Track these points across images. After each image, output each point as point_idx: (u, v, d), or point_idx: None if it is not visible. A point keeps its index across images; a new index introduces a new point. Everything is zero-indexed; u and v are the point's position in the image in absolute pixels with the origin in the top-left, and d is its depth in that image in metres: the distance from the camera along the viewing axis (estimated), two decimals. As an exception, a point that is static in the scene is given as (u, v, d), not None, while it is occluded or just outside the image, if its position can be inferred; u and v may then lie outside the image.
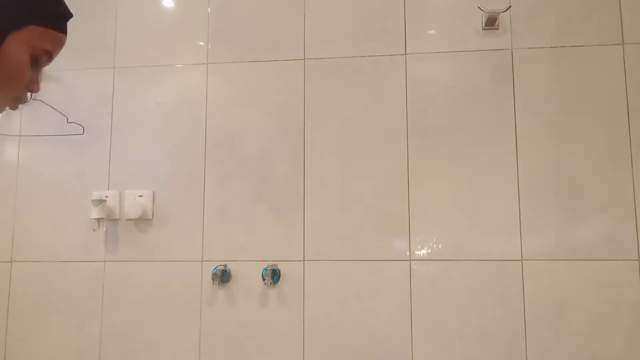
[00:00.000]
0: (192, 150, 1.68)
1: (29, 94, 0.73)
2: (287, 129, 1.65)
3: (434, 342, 1.52)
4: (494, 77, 1.60)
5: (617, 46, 1.56)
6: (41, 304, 1.68)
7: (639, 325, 1.46)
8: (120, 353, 1.63)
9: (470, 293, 1.53)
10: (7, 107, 0.72)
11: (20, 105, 0.74)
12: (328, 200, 1.61)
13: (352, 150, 1.62)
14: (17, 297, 1.70)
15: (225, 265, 1.61)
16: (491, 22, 1.59)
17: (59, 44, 0.72)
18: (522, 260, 1.52)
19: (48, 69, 1.80)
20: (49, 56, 0.71)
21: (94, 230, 1.66)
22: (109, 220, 1.69)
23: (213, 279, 1.55)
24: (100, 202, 1.63)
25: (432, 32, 1.64)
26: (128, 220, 1.68)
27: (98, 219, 1.62)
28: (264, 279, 1.55)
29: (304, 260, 1.60)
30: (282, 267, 1.60)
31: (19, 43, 0.66)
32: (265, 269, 1.56)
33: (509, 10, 1.57)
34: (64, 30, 0.72)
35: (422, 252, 1.56)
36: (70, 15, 0.74)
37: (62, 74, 1.77)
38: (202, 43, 1.73)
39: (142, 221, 1.68)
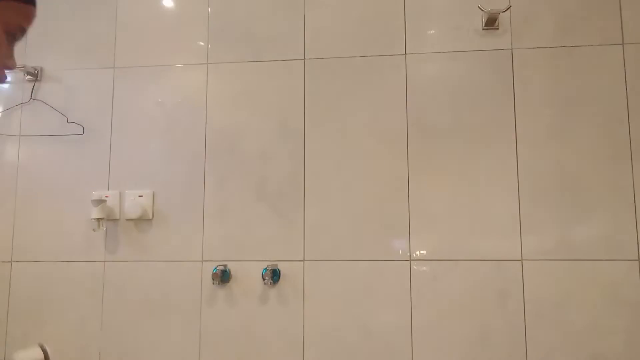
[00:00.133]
0: (192, 150, 1.68)
1: (7, 74, 0.71)
2: (287, 129, 1.65)
3: (434, 342, 1.52)
4: (494, 77, 1.60)
5: (617, 46, 1.56)
6: (41, 304, 1.68)
7: (639, 325, 1.46)
8: (120, 353, 1.63)
9: (470, 293, 1.53)
10: None
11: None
12: (328, 200, 1.61)
13: (352, 150, 1.62)
14: (17, 297, 1.70)
15: (225, 265, 1.61)
16: (491, 22, 1.59)
17: (31, 17, 0.70)
18: (522, 260, 1.52)
19: (48, 69, 1.81)
20: (23, 31, 0.70)
21: (94, 230, 1.66)
22: (109, 220, 1.69)
23: (213, 279, 1.55)
24: (100, 202, 1.63)
25: (432, 32, 1.64)
26: (128, 220, 1.68)
27: (98, 219, 1.62)
28: (264, 279, 1.55)
29: (304, 260, 1.60)
30: (282, 267, 1.60)
31: None
32: (265, 269, 1.56)
33: (509, 10, 1.57)
34: (34, 2, 0.69)
35: (422, 252, 1.56)
36: None
37: (62, 74, 1.77)
38: (202, 43, 1.73)
39: (142, 221, 1.68)
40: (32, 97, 1.76)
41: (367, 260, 1.57)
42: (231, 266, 1.62)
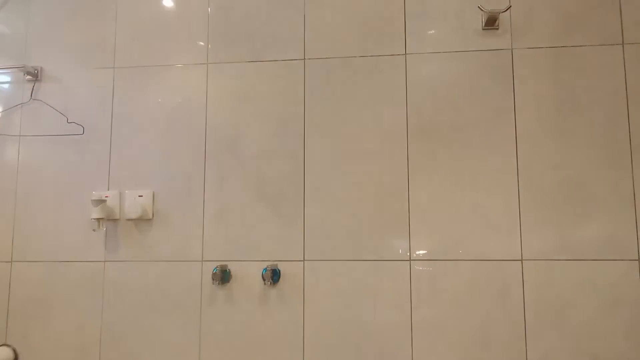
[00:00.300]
0: (192, 150, 1.68)
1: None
2: (287, 129, 1.66)
3: (434, 342, 1.52)
4: (494, 77, 1.60)
5: (617, 46, 1.56)
6: (41, 304, 1.68)
7: (639, 325, 1.46)
8: (120, 353, 1.63)
9: (470, 293, 1.53)
10: None
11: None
12: (328, 200, 1.61)
13: (352, 150, 1.62)
14: (17, 297, 1.70)
15: (225, 265, 1.61)
16: (491, 22, 1.59)
17: None
18: (522, 260, 1.52)
19: (48, 69, 1.81)
20: None
21: (94, 230, 1.67)
22: (109, 220, 1.69)
23: (213, 279, 1.55)
24: (100, 202, 1.63)
25: (432, 32, 1.64)
26: (128, 220, 1.68)
27: (98, 219, 1.62)
28: (264, 279, 1.55)
29: (304, 260, 1.60)
30: (282, 267, 1.60)
31: None
32: (265, 269, 1.56)
33: (509, 10, 1.57)
34: None
35: (422, 252, 1.56)
36: None
37: (62, 74, 1.77)
38: (202, 43, 1.73)
39: (142, 221, 1.68)
40: (32, 97, 1.76)
41: (367, 260, 1.57)
42: (231, 266, 1.62)
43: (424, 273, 1.55)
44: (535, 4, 1.61)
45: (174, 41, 1.74)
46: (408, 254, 1.56)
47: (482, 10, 1.56)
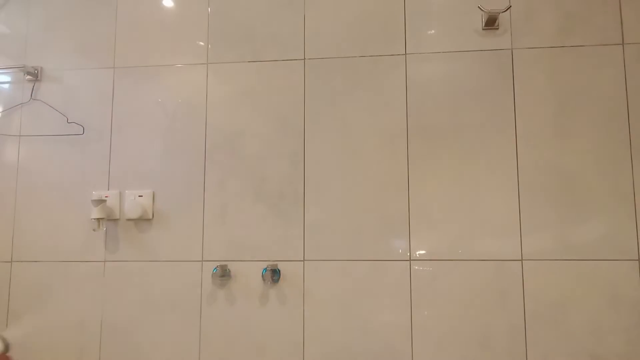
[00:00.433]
0: (192, 150, 1.68)
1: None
2: (287, 129, 1.66)
3: (434, 342, 1.52)
4: (494, 77, 1.60)
5: (617, 46, 1.56)
6: (41, 304, 1.68)
7: (639, 325, 1.46)
8: (121, 353, 1.63)
9: (470, 293, 1.53)
10: None
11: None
12: (328, 200, 1.61)
13: (352, 150, 1.62)
14: (17, 297, 1.70)
15: (225, 265, 1.61)
16: (491, 22, 1.59)
17: None
18: (522, 260, 1.52)
19: (48, 69, 1.81)
20: None
21: (94, 230, 1.67)
22: (109, 220, 1.69)
23: (213, 279, 1.55)
24: (100, 202, 1.63)
25: (432, 32, 1.64)
26: (128, 220, 1.68)
27: (98, 219, 1.62)
28: (264, 279, 1.55)
29: (304, 260, 1.60)
30: (282, 267, 1.60)
31: None
32: (265, 269, 1.56)
33: (509, 10, 1.57)
34: None
35: (422, 252, 1.56)
36: None
37: (62, 74, 1.77)
38: (202, 43, 1.73)
39: (142, 221, 1.68)
40: (32, 97, 1.76)
41: (367, 260, 1.57)
42: (231, 266, 1.62)
43: (424, 273, 1.55)
44: (535, 4, 1.61)
45: (174, 41, 1.74)
46: (408, 254, 1.56)
47: (482, 10, 1.56)
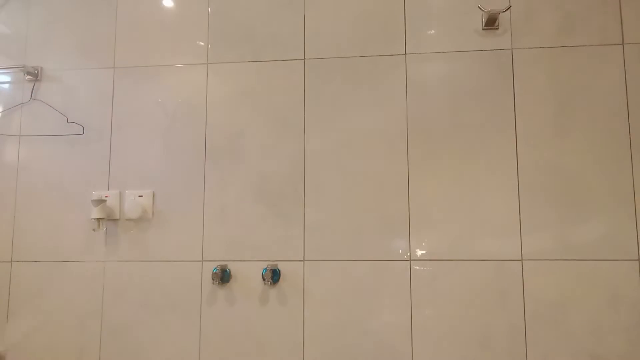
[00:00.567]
0: (192, 150, 1.68)
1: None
2: (287, 128, 1.66)
3: (434, 342, 1.52)
4: (494, 77, 1.60)
5: (617, 46, 1.56)
6: (41, 304, 1.68)
7: (639, 325, 1.46)
8: (120, 353, 1.63)
9: (470, 293, 1.53)
10: None
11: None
12: (328, 200, 1.61)
13: (352, 150, 1.62)
14: (17, 297, 1.70)
15: (225, 265, 1.61)
16: (491, 22, 1.59)
17: None
18: (522, 260, 1.52)
19: (48, 69, 1.81)
20: None
21: (94, 230, 1.67)
22: (109, 220, 1.69)
23: (213, 279, 1.55)
24: (100, 202, 1.63)
25: (432, 32, 1.64)
26: (128, 220, 1.68)
27: (98, 219, 1.62)
28: (264, 279, 1.55)
29: (304, 260, 1.60)
30: (282, 267, 1.60)
31: None
32: (265, 269, 1.56)
33: (509, 10, 1.57)
34: None
35: (422, 252, 1.56)
36: None
37: (62, 74, 1.77)
38: (202, 43, 1.73)
39: (142, 221, 1.68)
40: (32, 97, 1.76)
41: (367, 260, 1.57)
42: (231, 266, 1.62)
43: (424, 273, 1.55)
44: (535, 4, 1.61)
45: (174, 41, 1.74)
46: (408, 254, 1.56)
47: (482, 10, 1.56)
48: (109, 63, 1.76)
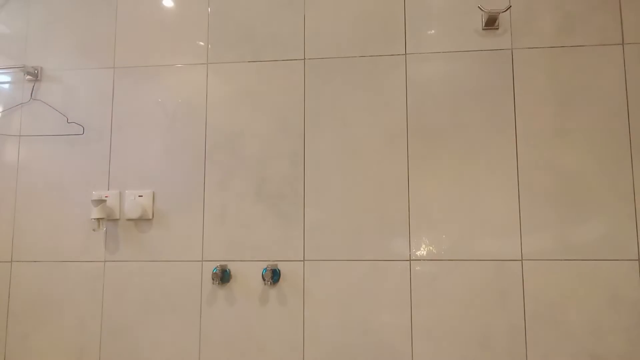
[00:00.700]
0: (192, 150, 1.68)
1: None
2: (287, 129, 1.66)
3: (434, 342, 1.52)
4: (494, 77, 1.60)
5: (617, 46, 1.56)
6: (41, 304, 1.68)
7: (638, 325, 1.46)
8: (120, 353, 1.63)
9: (470, 293, 1.53)
10: None
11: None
12: (328, 200, 1.61)
13: (352, 150, 1.62)
14: (17, 297, 1.70)
15: (225, 265, 1.61)
16: (491, 22, 1.59)
17: None
18: (522, 260, 1.52)
19: (48, 69, 1.81)
20: None
21: (94, 230, 1.67)
22: (109, 220, 1.69)
23: (213, 279, 1.55)
24: (100, 202, 1.63)
25: (432, 32, 1.64)
26: (128, 220, 1.68)
27: (98, 219, 1.62)
28: (264, 279, 1.55)
29: (304, 260, 1.60)
30: (282, 267, 1.60)
31: None
32: (265, 269, 1.56)
33: (509, 10, 1.57)
34: None
35: (422, 252, 1.56)
36: None
37: (62, 74, 1.77)
38: (202, 43, 1.73)
39: (142, 221, 1.68)
40: (32, 97, 1.76)
41: (367, 260, 1.57)
42: (231, 266, 1.62)
43: (424, 273, 1.55)
44: (535, 4, 1.61)
45: (174, 41, 1.74)
46: (408, 254, 1.56)
47: (482, 10, 1.56)
48: (109, 63, 1.76)
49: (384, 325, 1.55)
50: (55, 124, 1.75)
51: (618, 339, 1.46)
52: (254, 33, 1.71)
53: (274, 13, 1.71)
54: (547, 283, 1.50)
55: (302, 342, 1.57)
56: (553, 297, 1.50)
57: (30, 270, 1.70)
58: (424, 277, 1.55)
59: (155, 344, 1.63)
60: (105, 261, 1.68)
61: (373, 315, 1.55)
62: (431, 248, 1.56)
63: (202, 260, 1.64)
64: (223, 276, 1.58)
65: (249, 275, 1.61)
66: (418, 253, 1.56)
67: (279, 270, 1.60)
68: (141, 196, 1.67)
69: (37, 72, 1.77)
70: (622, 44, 1.56)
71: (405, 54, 1.64)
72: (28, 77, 1.77)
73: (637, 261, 1.48)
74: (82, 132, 1.73)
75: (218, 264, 1.62)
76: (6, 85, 1.79)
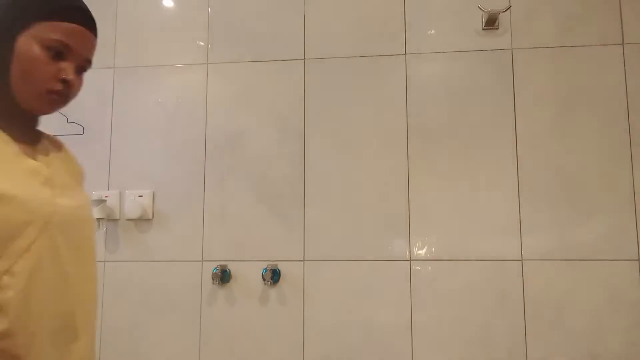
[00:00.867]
0: (192, 150, 1.68)
1: (64, 83, 0.77)
2: (287, 129, 1.66)
3: (434, 342, 1.52)
4: (494, 77, 1.60)
5: (617, 46, 1.56)
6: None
7: (638, 325, 1.46)
8: (120, 353, 1.63)
9: (470, 293, 1.53)
10: (47, 102, 0.77)
11: (55, 99, 0.78)
12: (328, 200, 1.61)
13: (352, 150, 1.62)
14: (17, 297, 1.69)
15: (225, 265, 1.61)
16: (491, 22, 1.59)
17: (69, 33, 0.76)
18: (522, 260, 1.52)
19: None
20: (65, 45, 0.75)
21: (94, 230, 1.66)
22: (109, 220, 1.69)
23: (213, 279, 1.55)
24: (100, 202, 1.63)
25: (432, 32, 1.64)
26: (128, 220, 1.68)
27: (98, 219, 1.62)
28: (264, 279, 1.55)
29: (304, 260, 1.60)
30: (282, 267, 1.60)
31: (27, 40, 0.73)
32: (265, 269, 1.56)
33: (509, 10, 1.57)
34: (71, 19, 0.76)
35: (422, 252, 1.56)
36: (73, 5, 0.77)
37: (62, 74, 1.77)
38: (202, 43, 1.73)
39: (142, 221, 1.68)
40: (32, 97, 1.76)
41: (367, 260, 1.57)
42: (231, 266, 1.62)
43: (424, 273, 1.55)
44: (535, 4, 1.61)
45: (174, 41, 1.74)
46: (408, 254, 1.56)
47: (482, 10, 1.56)
48: (109, 63, 1.76)
49: (384, 325, 1.55)
50: (55, 124, 1.74)
51: (618, 339, 1.46)
52: (254, 33, 1.71)
53: (274, 13, 1.71)
54: (547, 283, 1.50)
55: (302, 342, 1.57)
56: (553, 297, 1.50)
57: (30, 270, 1.70)
58: (424, 277, 1.55)
59: (155, 344, 1.63)
60: (105, 261, 1.68)
61: (373, 315, 1.55)
62: (431, 248, 1.56)
63: (202, 260, 1.64)
64: (223, 276, 1.58)
65: (249, 275, 1.61)
66: (418, 253, 1.56)
67: (279, 270, 1.60)
68: (141, 196, 1.67)
69: (37, 72, 1.76)
70: (622, 44, 1.56)
71: (405, 54, 1.64)
72: (28, 77, 1.77)
73: (637, 261, 1.48)
74: (82, 132, 1.73)
75: (218, 264, 1.62)
76: (6, 85, 1.79)
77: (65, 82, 0.77)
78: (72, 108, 1.74)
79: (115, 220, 1.69)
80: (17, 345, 0.67)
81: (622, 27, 1.57)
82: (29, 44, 0.73)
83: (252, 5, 1.72)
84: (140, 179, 1.69)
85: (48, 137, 0.94)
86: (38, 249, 0.70)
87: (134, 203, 1.66)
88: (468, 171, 1.57)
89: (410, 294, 1.55)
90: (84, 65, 0.83)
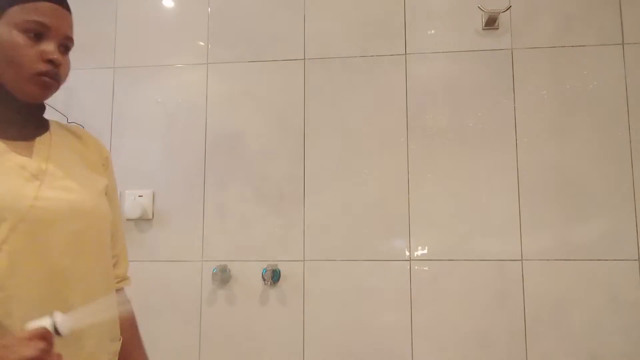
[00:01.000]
0: (192, 150, 1.68)
1: (51, 64, 0.78)
2: (287, 129, 1.65)
3: (434, 342, 1.52)
4: (494, 77, 1.60)
5: (617, 46, 1.56)
6: (41, 304, 1.68)
7: (638, 325, 1.46)
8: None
9: (470, 293, 1.53)
10: (39, 85, 0.79)
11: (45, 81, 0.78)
12: (328, 200, 1.61)
13: (352, 150, 1.62)
14: (17, 297, 1.69)
15: (225, 265, 1.61)
16: (491, 22, 1.59)
17: (44, 11, 0.78)
18: (522, 260, 1.52)
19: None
20: (43, 25, 0.77)
21: (94, 230, 1.66)
22: (109, 220, 1.69)
23: (213, 279, 1.55)
24: (100, 202, 1.62)
25: (432, 32, 1.64)
26: (128, 220, 1.68)
27: (98, 219, 1.62)
28: (264, 279, 1.55)
29: (304, 260, 1.60)
30: (282, 267, 1.60)
31: (4, 27, 0.74)
32: (265, 269, 1.56)
33: (509, 10, 1.57)
34: None
35: (422, 252, 1.56)
36: None
37: (62, 74, 1.77)
38: (202, 43, 1.73)
39: (142, 221, 1.68)
40: (32, 97, 1.76)
41: (367, 260, 1.57)
42: (231, 266, 1.62)
43: (424, 273, 1.55)
44: (535, 4, 1.61)
45: (174, 41, 1.74)
46: (408, 254, 1.56)
47: (482, 10, 1.56)
48: (109, 63, 1.76)
49: (384, 325, 1.55)
50: (55, 124, 1.74)
51: (618, 339, 1.46)
52: (254, 33, 1.71)
53: (274, 13, 1.71)
54: (547, 283, 1.50)
55: (302, 342, 1.57)
56: (553, 297, 1.50)
57: (30, 270, 1.70)
58: (424, 277, 1.55)
59: (155, 344, 1.62)
60: (105, 261, 1.67)
61: (373, 315, 1.55)
62: (431, 248, 1.56)
63: (202, 260, 1.64)
64: (223, 276, 1.58)
65: (249, 275, 1.61)
66: (418, 253, 1.56)
67: (279, 270, 1.59)
68: (141, 196, 1.67)
69: (37, 72, 1.76)
70: (622, 44, 1.56)
71: (405, 54, 1.64)
72: (28, 77, 1.77)
73: (637, 261, 1.48)
74: (82, 132, 1.73)
75: (218, 264, 1.62)
76: (6, 85, 1.79)
77: (51, 62, 0.76)
78: (72, 108, 1.75)
79: (115, 220, 1.69)
80: None
81: (622, 27, 1.57)
82: (7, 30, 0.73)
83: (252, 5, 1.72)
84: (140, 179, 1.69)
85: (63, 125, 0.92)
86: (10, 248, 0.68)
87: (134, 203, 1.66)
88: (468, 171, 1.57)
89: (410, 294, 1.55)
90: (66, 43, 0.83)
